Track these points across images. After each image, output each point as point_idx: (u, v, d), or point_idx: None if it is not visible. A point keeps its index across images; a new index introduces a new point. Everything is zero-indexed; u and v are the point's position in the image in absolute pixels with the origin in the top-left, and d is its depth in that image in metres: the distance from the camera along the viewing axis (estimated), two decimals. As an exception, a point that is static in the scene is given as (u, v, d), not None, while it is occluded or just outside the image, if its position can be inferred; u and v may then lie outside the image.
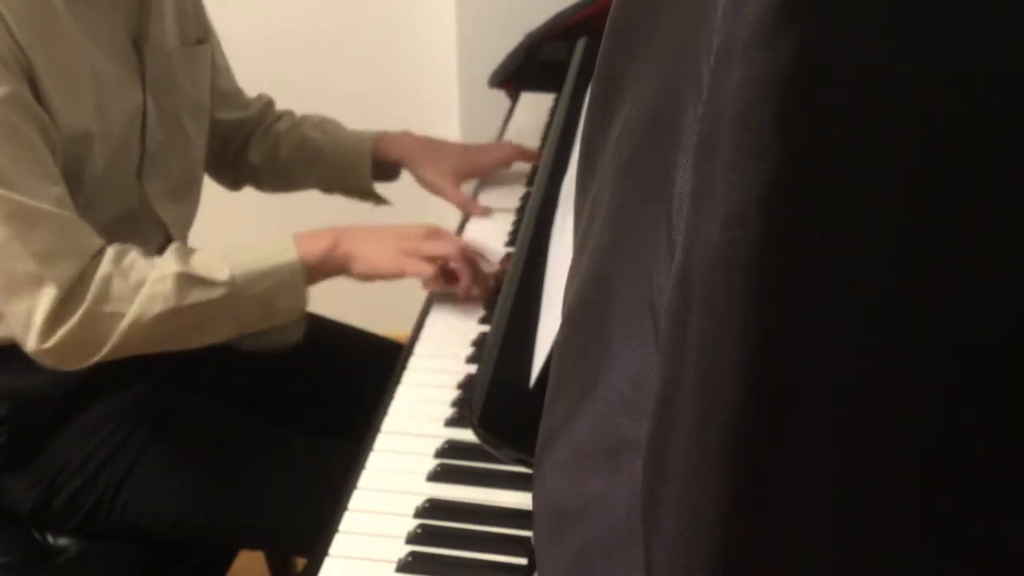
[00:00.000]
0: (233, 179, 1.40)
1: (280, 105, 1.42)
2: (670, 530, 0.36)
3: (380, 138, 1.35)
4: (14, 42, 0.92)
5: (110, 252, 0.97)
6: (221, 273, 0.99)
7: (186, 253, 1.01)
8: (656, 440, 0.37)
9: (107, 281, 0.95)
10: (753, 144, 0.31)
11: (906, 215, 0.31)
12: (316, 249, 1.04)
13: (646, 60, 0.42)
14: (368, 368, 1.21)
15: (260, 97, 1.39)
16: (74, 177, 1.00)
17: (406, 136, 1.36)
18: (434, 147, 1.36)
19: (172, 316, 0.97)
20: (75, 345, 0.96)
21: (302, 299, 1.04)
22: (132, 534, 1.08)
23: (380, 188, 1.39)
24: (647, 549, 0.38)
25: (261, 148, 1.36)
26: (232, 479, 1.09)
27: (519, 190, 1.37)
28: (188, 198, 1.21)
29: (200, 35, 1.22)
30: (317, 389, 1.27)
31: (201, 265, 0.99)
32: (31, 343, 0.95)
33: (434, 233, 1.09)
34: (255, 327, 1.05)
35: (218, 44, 1.30)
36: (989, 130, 0.31)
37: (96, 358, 0.98)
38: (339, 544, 0.81)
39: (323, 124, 1.37)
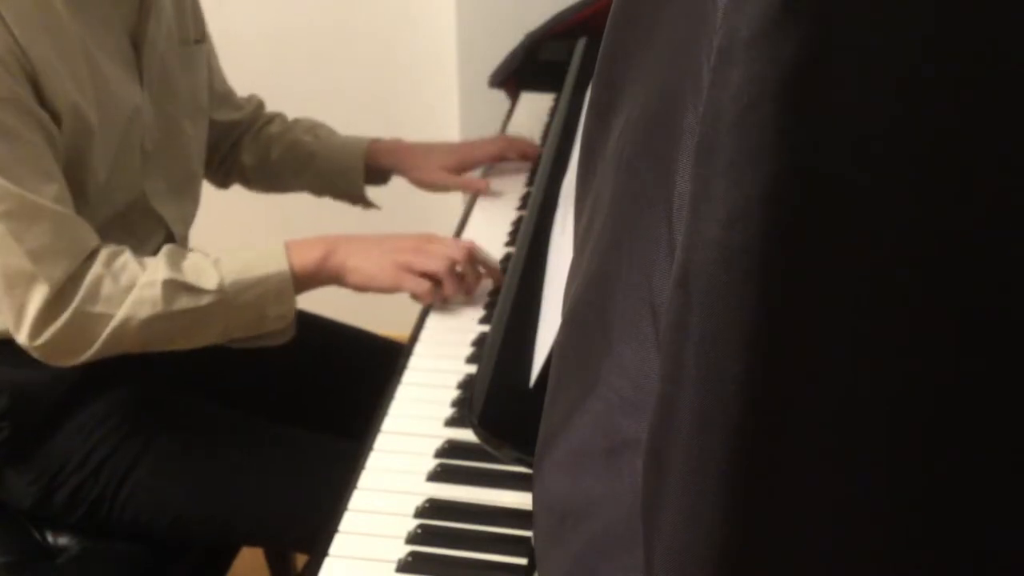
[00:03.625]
0: (222, 178, 1.40)
1: (279, 106, 1.42)
2: (670, 530, 0.36)
3: (372, 145, 1.37)
4: (15, 42, 0.92)
5: (103, 253, 0.99)
6: (210, 281, 1.00)
7: (178, 257, 1.02)
8: (656, 440, 0.37)
9: (97, 282, 0.97)
10: (753, 144, 0.31)
11: (906, 214, 0.31)
12: (308, 259, 1.05)
13: (646, 60, 0.42)
14: (368, 368, 1.21)
15: (251, 98, 1.40)
16: (76, 175, 1.01)
17: (397, 144, 1.38)
18: (423, 149, 1.38)
19: (159, 320, 0.99)
20: (64, 343, 0.98)
21: (290, 308, 1.05)
22: (133, 531, 1.08)
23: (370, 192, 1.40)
24: (647, 549, 0.38)
25: (252, 150, 1.37)
26: (233, 476, 1.09)
27: (519, 190, 1.37)
28: (188, 196, 1.22)
29: (198, 35, 1.22)
30: (317, 389, 1.28)
31: (191, 272, 1.00)
32: (22, 338, 0.97)
33: (426, 244, 1.09)
34: (243, 332, 1.06)
35: (212, 46, 1.31)
36: (991, 129, 0.31)
37: (85, 357, 0.99)
38: (339, 544, 0.81)
39: (315, 129, 1.39)
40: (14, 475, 1.09)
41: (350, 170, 1.35)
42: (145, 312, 0.98)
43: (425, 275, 1.07)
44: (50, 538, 1.10)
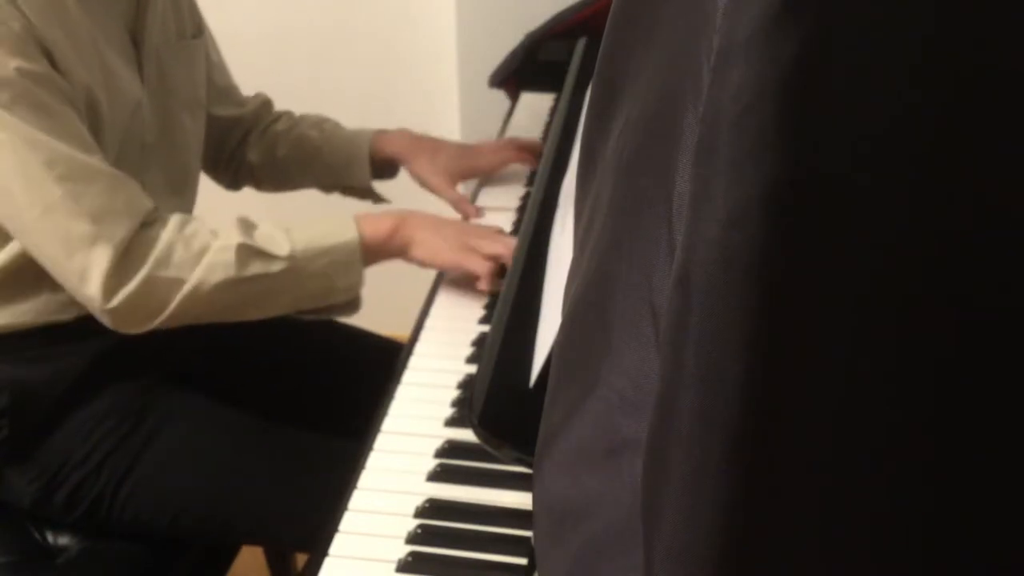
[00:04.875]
0: (231, 178, 1.40)
1: (280, 105, 1.42)
2: (670, 530, 0.36)
3: (377, 136, 1.36)
4: (33, 28, 0.94)
5: (175, 219, 1.01)
6: (282, 248, 1.02)
7: (250, 226, 1.03)
8: (656, 440, 0.37)
9: (170, 247, 0.98)
10: (753, 144, 0.31)
11: (906, 214, 0.31)
12: (379, 230, 1.07)
13: (646, 60, 0.42)
14: (368, 368, 1.21)
15: (257, 96, 1.39)
16: None
17: (403, 133, 1.37)
18: (431, 145, 1.37)
19: (232, 286, 1.00)
20: (136, 308, 0.99)
21: (358, 279, 1.07)
22: (133, 530, 1.09)
23: (378, 187, 1.39)
24: (647, 549, 0.38)
25: (259, 148, 1.36)
26: (233, 475, 1.09)
27: (519, 190, 1.37)
28: (185, 191, 1.22)
29: (194, 30, 1.22)
30: (317, 389, 1.28)
31: (263, 238, 1.02)
32: (94, 302, 0.97)
33: (494, 234, 1.12)
34: (312, 303, 1.07)
35: (212, 40, 1.31)
36: (991, 129, 0.31)
37: (156, 323, 1.00)
38: (339, 544, 0.81)
39: (321, 123, 1.38)
40: (14, 474, 1.09)
41: (356, 162, 1.35)
42: (217, 277, 0.99)
43: (489, 258, 1.10)
44: (50, 538, 1.10)
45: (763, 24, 0.30)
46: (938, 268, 0.32)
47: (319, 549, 0.81)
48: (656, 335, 0.39)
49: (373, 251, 1.07)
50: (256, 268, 1.01)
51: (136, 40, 1.10)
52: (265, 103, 1.39)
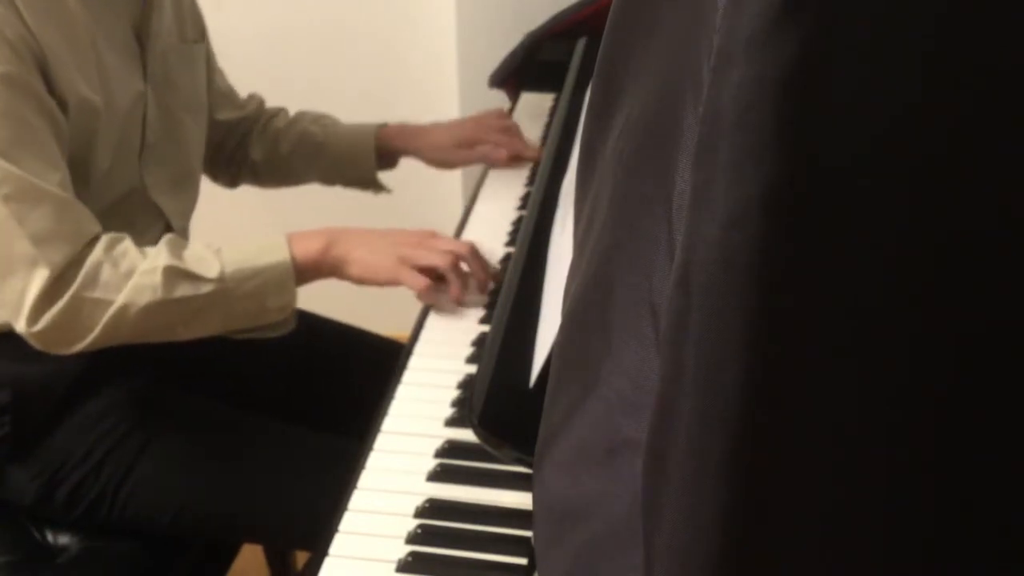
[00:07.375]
0: (231, 178, 1.42)
1: (280, 104, 1.43)
2: (669, 530, 0.36)
3: (381, 130, 1.39)
4: (25, 28, 0.93)
5: (104, 239, 0.98)
6: (211, 269, 1.00)
7: (179, 246, 1.01)
8: (656, 440, 0.37)
9: (97, 268, 0.96)
10: (753, 144, 0.31)
11: (907, 215, 0.31)
12: (310, 250, 1.05)
13: (646, 60, 0.42)
14: (368, 368, 1.21)
15: (252, 97, 1.42)
16: (81, 162, 1.01)
17: (404, 126, 1.41)
18: (434, 129, 1.41)
19: (159, 308, 0.98)
20: (62, 329, 0.97)
21: (291, 299, 1.05)
22: (133, 528, 1.09)
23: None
24: (647, 549, 0.38)
25: (261, 145, 1.38)
26: (234, 474, 1.09)
27: (519, 190, 1.37)
28: (187, 190, 1.23)
29: (196, 35, 1.23)
30: (317, 389, 1.28)
31: (192, 259, 1.00)
32: (20, 324, 0.97)
33: (429, 240, 1.09)
34: (244, 324, 1.05)
35: (210, 46, 1.32)
36: (991, 129, 0.31)
37: (83, 344, 0.98)
38: (339, 544, 0.81)
39: (320, 119, 1.41)
40: (16, 471, 1.09)
41: (361, 156, 1.37)
42: (144, 299, 0.97)
43: (425, 270, 1.07)
44: (50, 537, 1.10)
45: (763, 24, 0.30)
46: (938, 268, 0.32)
47: (319, 549, 0.81)
48: (656, 335, 0.39)
49: (305, 271, 1.05)
50: (184, 290, 0.99)
51: (141, 39, 1.10)
52: (260, 103, 1.42)
